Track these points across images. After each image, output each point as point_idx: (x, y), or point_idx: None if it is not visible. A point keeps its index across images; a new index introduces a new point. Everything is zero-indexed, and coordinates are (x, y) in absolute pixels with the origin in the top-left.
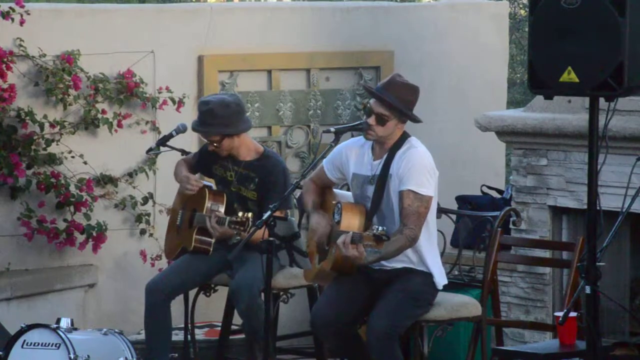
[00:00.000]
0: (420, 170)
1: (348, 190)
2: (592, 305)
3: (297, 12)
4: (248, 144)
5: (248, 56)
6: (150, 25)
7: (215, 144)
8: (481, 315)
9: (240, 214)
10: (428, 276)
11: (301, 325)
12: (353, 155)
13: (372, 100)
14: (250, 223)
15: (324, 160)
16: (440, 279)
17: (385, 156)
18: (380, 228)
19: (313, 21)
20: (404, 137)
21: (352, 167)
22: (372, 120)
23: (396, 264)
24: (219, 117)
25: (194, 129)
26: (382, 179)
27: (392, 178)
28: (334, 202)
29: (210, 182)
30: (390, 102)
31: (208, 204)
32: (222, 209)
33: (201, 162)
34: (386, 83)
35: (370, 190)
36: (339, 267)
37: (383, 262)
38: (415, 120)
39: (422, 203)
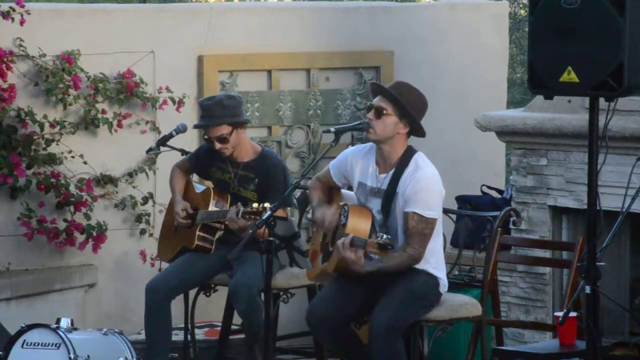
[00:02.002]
0: (428, 193)
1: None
2: (592, 305)
3: (297, 12)
4: (246, 145)
5: (248, 56)
6: (150, 25)
7: (226, 138)
8: (481, 315)
9: (255, 204)
10: (432, 278)
11: (301, 325)
12: (358, 164)
13: (375, 98)
14: (268, 212)
15: (331, 164)
16: (443, 284)
17: (392, 172)
18: (385, 236)
19: (313, 21)
20: (410, 152)
21: (357, 175)
22: (370, 115)
23: None
24: (228, 108)
25: (200, 126)
26: (388, 196)
27: (398, 196)
28: (340, 203)
29: (206, 185)
30: (389, 92)
31: (213, 202)
32: (227, 208)
33: (198, 165)
34: (392, 84)
35: (374, 202)
36: (341, 270)
37: None
38: (417, 122)
39: (427, 225)
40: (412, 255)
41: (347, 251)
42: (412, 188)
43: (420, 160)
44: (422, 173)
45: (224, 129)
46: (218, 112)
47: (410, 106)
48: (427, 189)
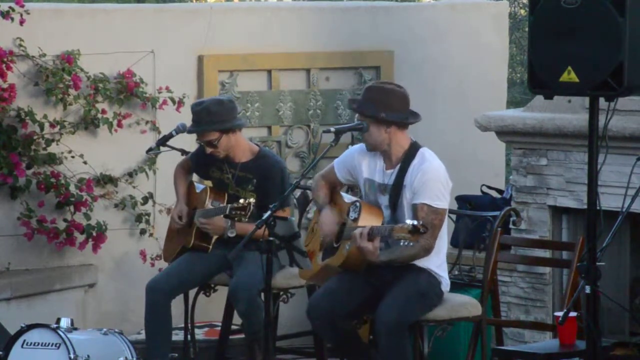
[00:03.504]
0: (435, 184)
1: (348, 192)
2: (592, 305)
3: (297, 12)
4: (243, 145)
5: (248, 56)
6: (150, 25)
7: (214, 144)
8: (481, 315)
9: (241, 200)
10: (435, 277)
11: (301, 325)
12: (365, 161)
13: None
14: (251, 208)
15: (336, 162)
16: (445, 284)
17: (398, 167)
18: (415, 222)
19: (313, 21)
20: (415, 147)
21: (364, 172)
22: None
23: None
24: (214, 114)
25: (190, 131)
26: (396, 190)
27: (406, 189)
28: (347, 201)
29: (206, 185)
30: (353, 108)
31: (209, 201)
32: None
33: (198, 165)
34: (362, 91)
35: (382, 199)
36: (349, 265)
37: None
38: (393, 119)
39: (437, 216)
40: (424, 246)
41: (365, 241)
42: (420, 179)
43: (426, 153)
44: (429, 165)
45: (212, 135)
46: (204, 118)
47: (377, 109)
48: (435, 179)
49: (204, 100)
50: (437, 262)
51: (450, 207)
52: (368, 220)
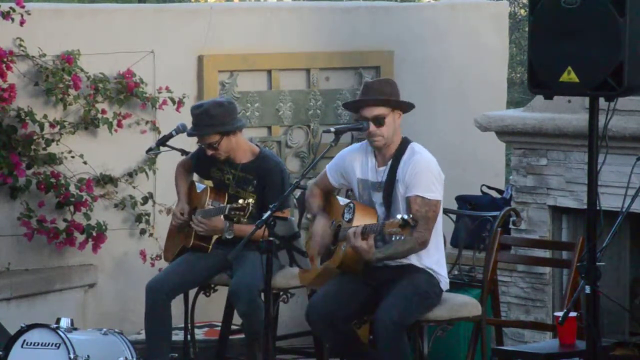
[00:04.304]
0: (426, 175)
1: (347, 197)
2: (592, 305)
3: (297, 12)
4: (243, 146)
5: (248, 56)
6: (150, 25)
7: (214, 146)
8: (481, 315)
9: (240, 200)
10: (433, 277)
11: (301, 325)
12: (357, 161)
13: (362, 112)
14: (250, 209)
15: (328, 166)
16: (445, 282)
17: (389, 163)
18: (405, 215)
19: (313, 21)
20: (405, 143)
21: (357, 172)
22: (372, 127)
23: (401, 260)
24: (214, 117)
25: (190, 135)
26: (389, 185)
27: (399, 184)
28: (342, 203)
29: (206, 184)
30: (375, 100)
31: (209, 201)
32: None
33: (198, 165)
34: (362, 90)
35: (377, 196)
36: (347, 266)
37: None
38: (405, 105)
39: (430, 207)
40: (419, 239)
41: (359, 240)
42: (411, 172)
43: (416, 147)
44: (419, 157)
45: (212, 138)
46: (205, 121)
47: (388, 94)
48: (426, 171)
49: (203, 103)
50: (435, 259)
51: (450, 207)
52: (362, 220)
